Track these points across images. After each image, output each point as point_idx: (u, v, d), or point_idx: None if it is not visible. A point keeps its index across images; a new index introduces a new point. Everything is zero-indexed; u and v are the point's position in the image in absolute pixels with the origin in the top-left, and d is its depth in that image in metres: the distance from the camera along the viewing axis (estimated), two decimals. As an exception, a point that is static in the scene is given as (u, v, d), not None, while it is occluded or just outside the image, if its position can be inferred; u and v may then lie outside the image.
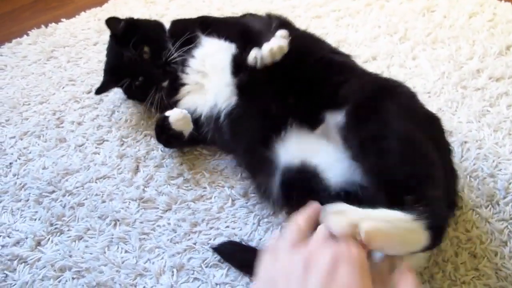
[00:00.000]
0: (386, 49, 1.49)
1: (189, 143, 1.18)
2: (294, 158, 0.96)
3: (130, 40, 1.15)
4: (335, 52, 1.17)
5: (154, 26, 1.26)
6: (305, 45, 1.13)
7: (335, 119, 0.94)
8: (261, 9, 1.72)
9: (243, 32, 1.14)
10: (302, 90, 1.01)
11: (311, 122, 0.99)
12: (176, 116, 1.10)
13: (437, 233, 0.73)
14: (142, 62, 1.16)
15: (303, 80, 1.02)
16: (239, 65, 1.09)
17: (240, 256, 0.97)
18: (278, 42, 1.03)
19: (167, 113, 1.11)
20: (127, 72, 1.18)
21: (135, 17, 1.29)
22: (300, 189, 0.93)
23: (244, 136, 1.06)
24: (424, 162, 0.82)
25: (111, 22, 1.21)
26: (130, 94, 1.26)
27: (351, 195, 0.87)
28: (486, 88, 1.32)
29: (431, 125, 0.95)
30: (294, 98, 1.02)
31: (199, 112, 1.14)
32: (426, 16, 1.63)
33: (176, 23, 1.27)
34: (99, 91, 1.27)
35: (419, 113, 0.94)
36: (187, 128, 1.12)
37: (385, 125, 0.86)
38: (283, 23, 1.20)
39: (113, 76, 1.22)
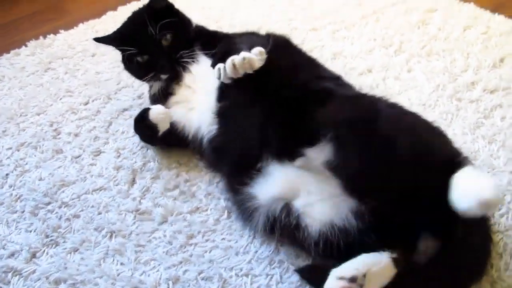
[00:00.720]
0: (381, 62, 1.51)
1: (163, 142, 1.21)
2: (275, 197, 0.96)
3: (160, 20, 1.15)
4: (321, 77, 1.11)
5: (187, 22, 1.26)
6: (291, 68, 1.10)
7: (316, 153, 0.93)
8: (258, 22, 1.74)
9: (226, 52, 1.09)
10: (281, 121, 0.99)
11: (290, 155, 0.96)
12: (158, 109, 1.16)
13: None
14: (158, 44, 1.16)
15: (282, 109, 1.00)
16: (224, 92, 1.09)
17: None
18: (243, 55, 0.98)
19: (151, 106, 1.19)
20: (139, 43, 1.17)
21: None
22: (283, 232, 0.96)
23: (224, 165, 1.09)
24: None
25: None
26: (127, 65, 1.24)
27: (329, 242, 0.89)
28: (480, 100, 1.33)
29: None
30: (273, 130, 0.99)
31: (187, 131, 1.17)
32: (421, 29, 1.65)
33: (202, 30, 1.29)
34: (99, 39, 1.25)
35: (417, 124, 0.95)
36: (163, 124, 1.16)
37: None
38: (280, 43, 1.18)
39: (124, 37, 1.21)
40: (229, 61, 0.98)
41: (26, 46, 1.72)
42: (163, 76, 1.19)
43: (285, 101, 1.00)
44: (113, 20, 1.85)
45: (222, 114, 1.08)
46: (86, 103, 1.43)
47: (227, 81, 1.02)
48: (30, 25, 1.89)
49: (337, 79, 1.15)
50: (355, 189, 0.89)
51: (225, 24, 1.78)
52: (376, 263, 0.82)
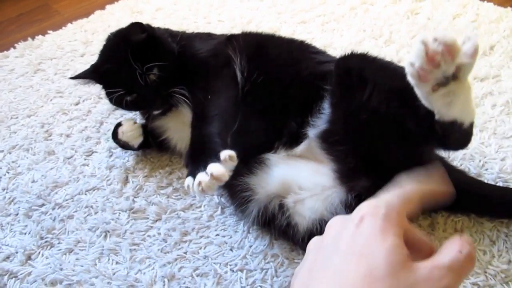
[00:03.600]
0: (371, 53, 1.50)
1: (145, 147, 1.23)
2: (271, 192, 0.97)
3: (142, 52, 1.05)
4: (321, 61, 1.11)
5: (171, 50, 1.12)
6: (287, 64, 1.08)
7: (316, 128, 0.95)
8: (247, 16, 1.74)
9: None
10: (292, 114, 0.99)
11: (297, 140, 0.98)
12: (126, 127, 1.18)
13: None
14: (145, 81, 1.06)
15: (294, 106, 1.00)
16: None
17: None
18: (210, 173, 0.85)
19: (122, 121, 1.20)
20: (125, 83, 1.07)
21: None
22: (275, 227, 0.98)
23: None
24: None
25: (135, 28, 1.08)
26: (114, 102, 1.13)
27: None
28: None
29: None
30: (283, 122, 1.00)
31: (178, 148, 1.18)
32: (410, 19, 1.65)
33: (184, 54, 1.16)
34: (76, 77, 1.14)
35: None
36: (134, 140, 1.19)
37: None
38: (260, 41, 1.16)
39: (107, 78, 1.10)
40: (195, 184, 0.87)
41: (14, 48, 1.71)
42: (156, 112, 1.14)
43: (295, 99, 1.00)
44: (101, 19, 1.84)
45: None
46: (77, 104, 1.43)
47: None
48: (17, 26, 1.87)
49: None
50: (346, 162, 0.91)
51: (213, 20, 1.77)
52: None
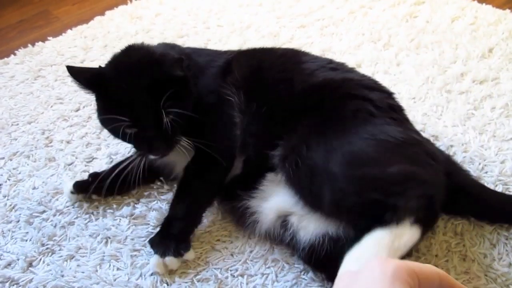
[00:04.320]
0: (370, 56, 1.51)
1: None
2: (274, 215, 0.98)
3: (165, 88, 0.90)
4: (311, 72, 1.07)
5: (192, 97, 1.00)
6: (284, 82, 1.05)
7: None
8: (246, 21, 1.74)
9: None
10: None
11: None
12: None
13: (426, 217, 0.82)
14: (157, 121, 0.91)
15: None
16: None
17: None
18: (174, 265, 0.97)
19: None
20: (133, 113, 0.91)
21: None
22: (279, 242, 1.00)
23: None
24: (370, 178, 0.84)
25: (178, 63, 0.93)
26: (110, 127, 0.98)
27: (317, 252, 0.91)
28: (470, 91, 1.34)
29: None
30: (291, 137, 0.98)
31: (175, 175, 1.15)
32: (409, 22, 1.66)
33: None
34: (76, 80, 0.95)
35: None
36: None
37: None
38: (254, 62, 1.12)
39: (111, 94, 0.93)
40: (162, 266, 0.97)
41: (14, 54, 1.71)
42: (153, 157, 1.00)
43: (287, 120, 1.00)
44: (101, 25, 1.85)
45: None
46: (77, 110, 1.43)
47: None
48: (17, 33, 1.88)
49: (330, 62, 1.12)
50: None
51: (212, 25, 1.78)
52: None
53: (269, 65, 1.10)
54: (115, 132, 0.96)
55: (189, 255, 0.98)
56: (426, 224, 0.85)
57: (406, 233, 0.79)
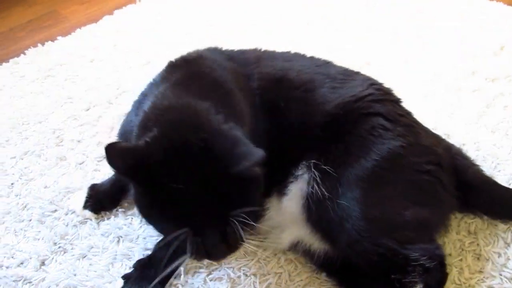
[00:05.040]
0: (378, 53, 1.50)
1: None
2: (287, 242, 0.99)
3: (232, 192, 0.75)
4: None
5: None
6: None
7: None
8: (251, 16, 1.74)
9: None
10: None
11: None
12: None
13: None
14: (219, 228, 0.76)
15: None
16: None
17: None
18: None
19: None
20: (192, 221, 0.74)
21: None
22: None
23: None
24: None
25: (259, 158, 0.72)
26: (157, 229, 0.84)
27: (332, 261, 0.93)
28: (482, 89, 1.33)
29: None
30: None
31: None
32: (417, 18, 1.65)
33: None
34: (115, 168, 0.77)
35: None
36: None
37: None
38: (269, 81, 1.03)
39: (166, 207, 0.75)
40: None
41: (24, 54, 1.72)
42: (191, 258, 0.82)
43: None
44: (110, 24, 1.85)
45: None
46: (88, 109, 1.43)
47: None
48: (27, 33, 1.88)
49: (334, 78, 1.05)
50: None
51: (220, 23, 1.77)
52: None
53: (290, 84, 1.02)
54: (165, 234, 0.82)
55: None
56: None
57: None
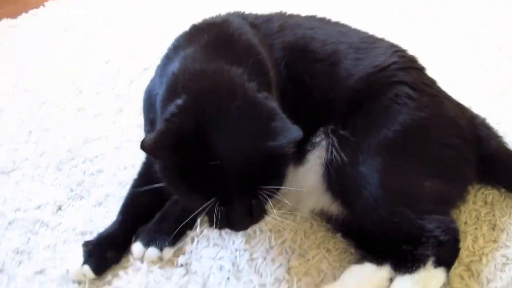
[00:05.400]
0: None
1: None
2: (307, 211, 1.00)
3: (262, 173, 0.74)
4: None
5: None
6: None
7: None
8: None
9: None
10: None
11: None
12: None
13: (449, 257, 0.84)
14: (247, 200, 0.77)
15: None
16: None
17: None
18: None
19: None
20: (221, 197, 0.74)
21: None
22: None
23: None
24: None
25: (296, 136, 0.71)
26: (182, 199, 0.86)
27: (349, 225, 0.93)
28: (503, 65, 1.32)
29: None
30: None
31: None
32: None
33: None
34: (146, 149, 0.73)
35: None
36: None
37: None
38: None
39: (196, 178, 0.74)
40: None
41: (44, 6, 1.71)
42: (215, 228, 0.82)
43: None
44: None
45: None
46: (107, 62, 1.43)
47: None
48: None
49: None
50: None
51: None
52: None
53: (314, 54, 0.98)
54: (192, 204, 0.80)
55: (167, 253, 0.94)
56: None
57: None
